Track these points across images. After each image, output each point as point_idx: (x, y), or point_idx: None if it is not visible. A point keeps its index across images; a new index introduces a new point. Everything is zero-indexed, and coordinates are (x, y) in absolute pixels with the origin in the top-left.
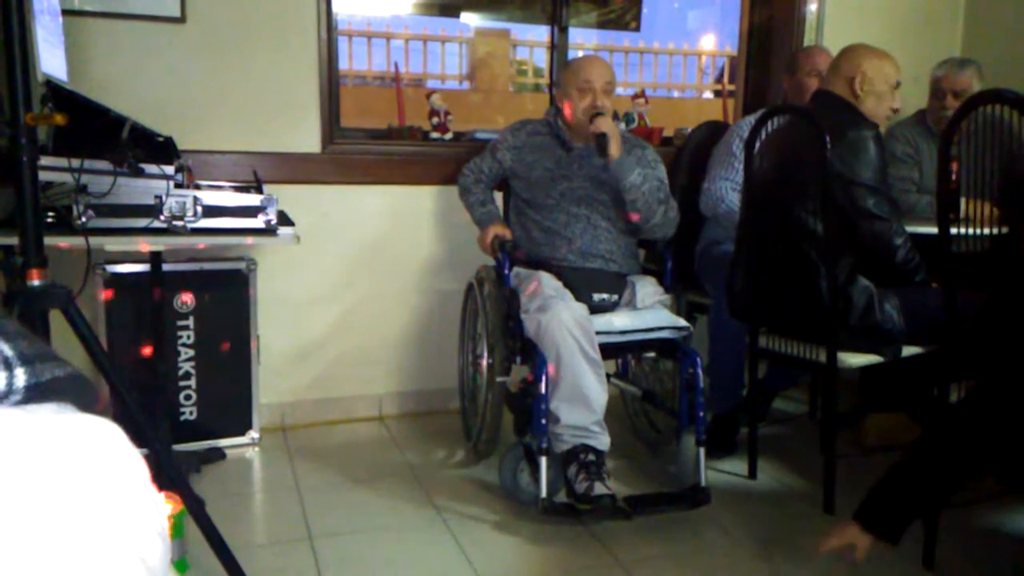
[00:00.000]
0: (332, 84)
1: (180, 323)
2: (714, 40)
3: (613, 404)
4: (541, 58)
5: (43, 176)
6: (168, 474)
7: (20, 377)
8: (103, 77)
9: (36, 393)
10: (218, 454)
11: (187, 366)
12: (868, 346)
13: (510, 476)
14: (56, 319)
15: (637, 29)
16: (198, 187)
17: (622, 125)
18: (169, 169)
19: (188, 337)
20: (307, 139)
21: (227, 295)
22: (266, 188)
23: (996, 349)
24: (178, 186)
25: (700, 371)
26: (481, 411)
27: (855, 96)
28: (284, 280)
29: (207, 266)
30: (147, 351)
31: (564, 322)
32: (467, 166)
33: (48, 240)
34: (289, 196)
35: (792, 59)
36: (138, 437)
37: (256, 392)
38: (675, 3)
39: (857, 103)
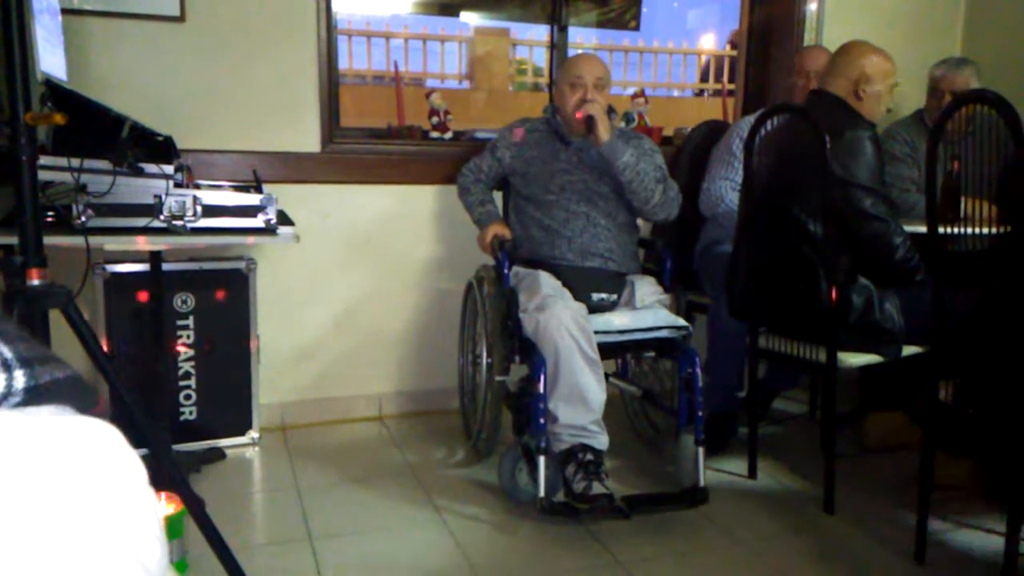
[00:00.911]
0: (332, 83)
1: (180, 323)
2: (714, 40)
3: (612, 404)
4: (541, 57)
5: (43, 175)
6: (168, 474)
7: (19, 379)
8: (103, 76)
9: (35, 395)
10: (218, 454)
11: (187, 366)
12: (868, 346)
13: (509, 476)
14: (56, 319)
15: (637, 28)
16: (198, 186)
17: (622, 124)
18: (169, 168)
19: (188, 337)
20: (307, 138)
21: (227, 295)
22: (266, 187)
23: (989, 347)
24: (178, 185)
25: (699, 370)
26: (480, 410)
27: (858, 97)
28: (284, 280)
29: (207, 266)
30: (147, 351)
31: (563, 322)
32: (466, 166)
33: (48, 240)
34: (289, 195)
35: (792, 59)
36: (138, 437)
37: (256, 392)
38: (675, 3)
39: (857, 103)
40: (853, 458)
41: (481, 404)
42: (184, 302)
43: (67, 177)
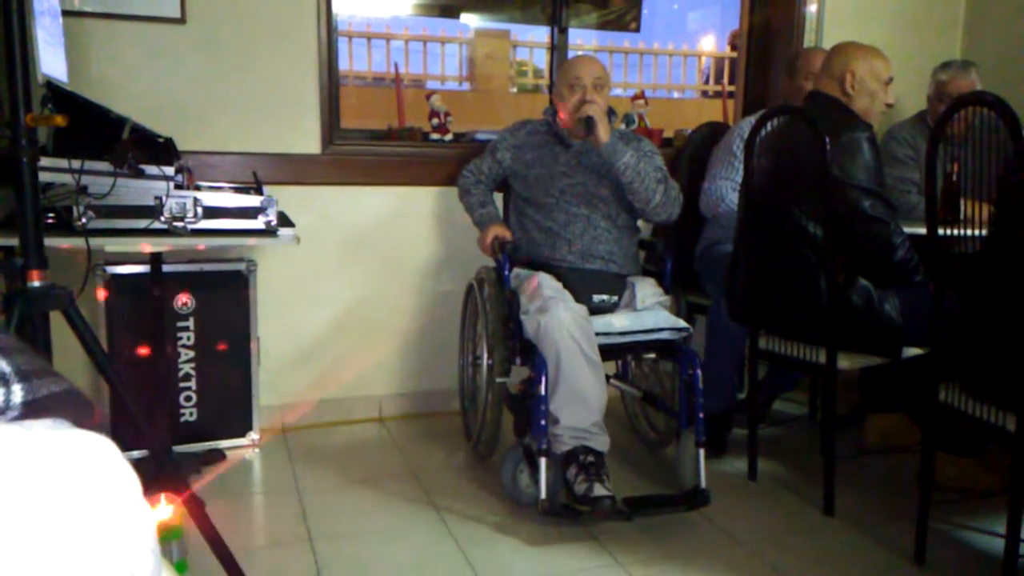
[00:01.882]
0: (332, 85)
1: (180, 324)
2: (714, 41)
3: (613, 405)
4: (541, 59)
5: (43, 177)
6: (168, 475)
7: (17, 393)
8: (103, 78)
9: (32, 409)
10: (218, 455)
11: (187, 367)
12: (868, 347)
13: (510, 477)
14: (56, 320)
15: (637, 30)
16: (198, 188)
17: (622, 126)
18: (169, 170)
19: (188, 338)
20: (307, 140)
21: (227, 296)
22: (266, 189)
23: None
24: (178, 187)
25: (700, 372)
26: (481, 412)
27: (846, 96)
28: (284, 281)
29: (207, 267)
30: (147, 352)
31: (564, 323)
32: (467, 167)
33: (48, 241)
34: (289, 197)
35: (791, 62)
36: (138, 438)
37: (256, 393)
38: (675, 4)
39: (849, 103)
40: (853, 459)
41: (482, 406)
42: (184, 303)
43: (68, 179)
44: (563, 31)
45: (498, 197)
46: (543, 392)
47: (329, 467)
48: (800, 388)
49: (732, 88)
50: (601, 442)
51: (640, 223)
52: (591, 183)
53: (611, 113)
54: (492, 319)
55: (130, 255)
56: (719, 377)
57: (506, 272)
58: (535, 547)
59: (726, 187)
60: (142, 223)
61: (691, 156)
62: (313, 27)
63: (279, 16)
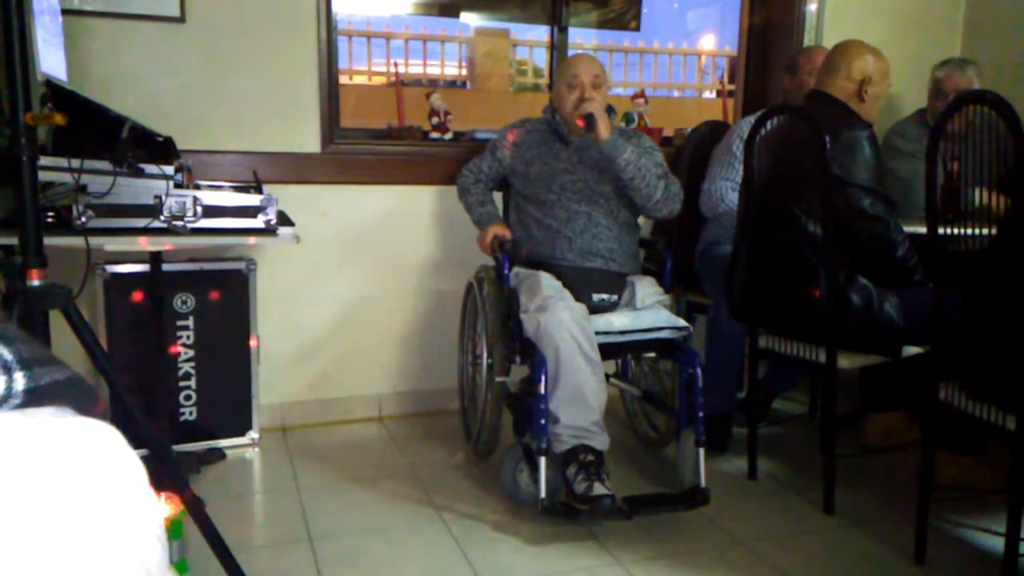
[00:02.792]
0: (332, 84)
1: (180, 323)
2: (714, 40)
3: (613, 404)
4: (541, 58)
5: (43, 176)
6: (168, 474)
7: (19, 381)
8: (103, 77)
9: (35, 397)
10: (218, 454)
11: (187, 366)
12: (868, 346)
13: (510, 476)
14: (56, 319)
15: (637, 29)
16: (198, 187)
17: (622, 124)
18: (169, 169)
19: (188, 337)
20: (307, 139)
21: (227, 295)
22: (266, 188)
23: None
24: (178, 186)
25: (699, 371)
26: (481, 411)
27: (861, 99)
28: (284, 280)
29: (207, 266)
30: (146, 351)
31: (563, 322)
32: (466, 166)
33: (48, 240)
34: (289, 196)
35: (792, 60)
36: (138, 437)
37: (256, 392)
38: (675, 3)
39: (859, 105)
40: (853, 458)
41: (481, 405)
42: (184, 302)
43: (67, 178)
44: (563, 30)
45: (498, 197)
46: (543, 391)
47: (329, 466)
48: (800, 387)
49: (732, 87)
50: (601, 441)
51: (640, 220)
52: (591, 180)
53: (610, 111)
54: (492, 318)
55: (130, 254)
56: (719, 376)
57: (506, 271)
58: (535, 546)
59: (726, 187)
60: (142, 222)
61: (691, 155)
62: (313, 26)
63: (279, 15)
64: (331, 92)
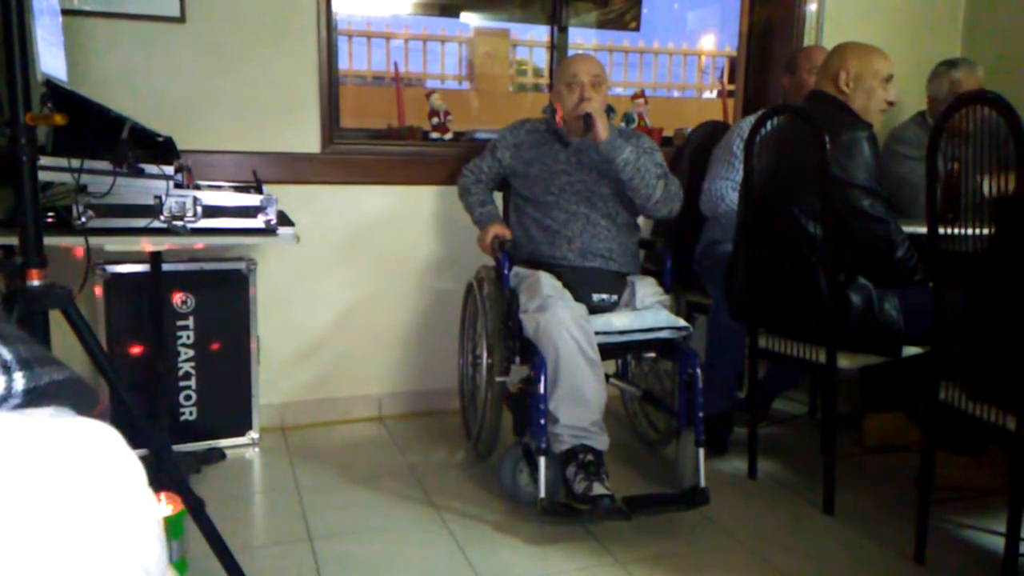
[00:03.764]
0: (332, 84)
1: (180, 323)
2: (714, 40)
3: (612, 404)
4: (541, 58)
5: (43, 176)
6: (168, 475)
7: (19, 381)
8: (103, 77)
9: (34, 397)
10: (218, 454)
11: (187, 366)
12: (868, 346)
13: (509, 476)
14: (56, 319)
15: (637, 29)
16: (198, 187)
17: (622, 124)
18: (169, 169)
19: (188, 337)
20: (307, 139)
21: (227, 295)
22: (266, 188)
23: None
24: (178, 186)
25: (699, 371)
26: (480, 411)
27: (842, 93)
28: (284, 280)
29: (207, 266)
30: (147, 351)
31: (563, 322)
32: (466, 167)
33: (48, 240)
34: (289, 196)
35: (792, 59)
36: (137, 437)
37: (256, 392)
38: (675, 3)
39: (846, 100)
40: (853, 458)
41: (481, 405)
42: (184, 302)
43: (67, 178)
44: (563, 30)
45: (498, 197)
46: (542, 391)
47: (329, 466)
48: (800, 387)
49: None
50: (600, 441)
51: (640, 221)
52: (591, 181)
53: (610, 111)
54: (492, 318)
55: (130, 254)
56: (720, 376)
57: (506, 271)
58: (534, 546)
59: (726, 187)
60: (142, 222)
61: (691, 155)
62: (313, 26)
63: (279, 15)
64: (331, 92)
